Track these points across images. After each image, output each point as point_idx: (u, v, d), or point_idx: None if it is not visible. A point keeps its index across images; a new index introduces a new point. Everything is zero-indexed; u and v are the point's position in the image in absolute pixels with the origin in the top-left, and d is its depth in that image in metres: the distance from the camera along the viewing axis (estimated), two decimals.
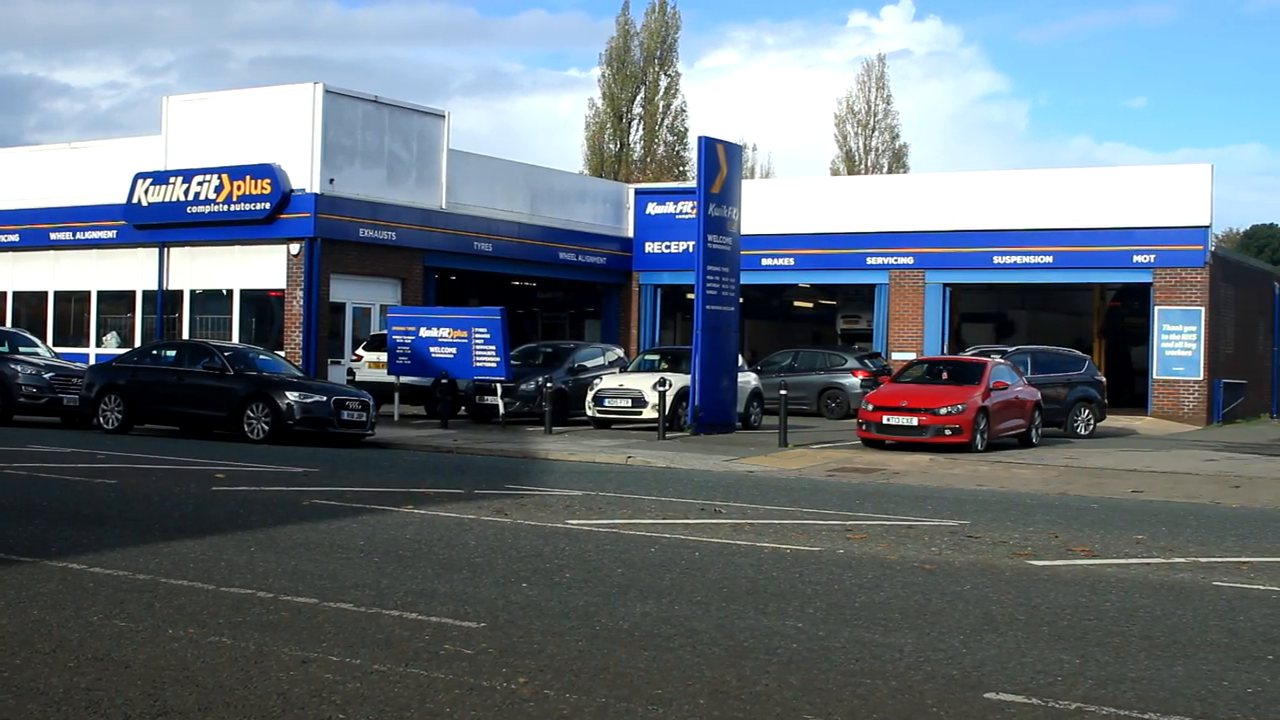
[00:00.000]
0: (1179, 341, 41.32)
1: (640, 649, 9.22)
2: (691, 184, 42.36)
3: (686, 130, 77.13)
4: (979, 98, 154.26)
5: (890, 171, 78.39)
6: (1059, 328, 54.43)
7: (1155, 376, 41.74)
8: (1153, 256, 41.43)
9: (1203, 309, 40.95)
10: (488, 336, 32.50)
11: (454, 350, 32.81)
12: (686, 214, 44.92)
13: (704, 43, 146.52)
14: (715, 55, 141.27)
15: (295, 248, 37.13)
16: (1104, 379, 37.10)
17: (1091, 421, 35.21)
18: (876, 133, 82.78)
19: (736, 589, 11.61)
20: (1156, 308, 41.56)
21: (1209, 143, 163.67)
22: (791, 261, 46.95)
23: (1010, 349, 37.64)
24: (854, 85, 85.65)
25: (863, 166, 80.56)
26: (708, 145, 32.73)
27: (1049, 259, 42.97)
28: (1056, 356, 37.01)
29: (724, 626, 10.02)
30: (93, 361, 37.03)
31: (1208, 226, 41.44)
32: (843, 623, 10.31)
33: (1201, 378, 41.15)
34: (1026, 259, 43.28)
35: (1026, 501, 20.16)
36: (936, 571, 12.86)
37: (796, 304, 59.92)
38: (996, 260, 43.63)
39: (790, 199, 47.70)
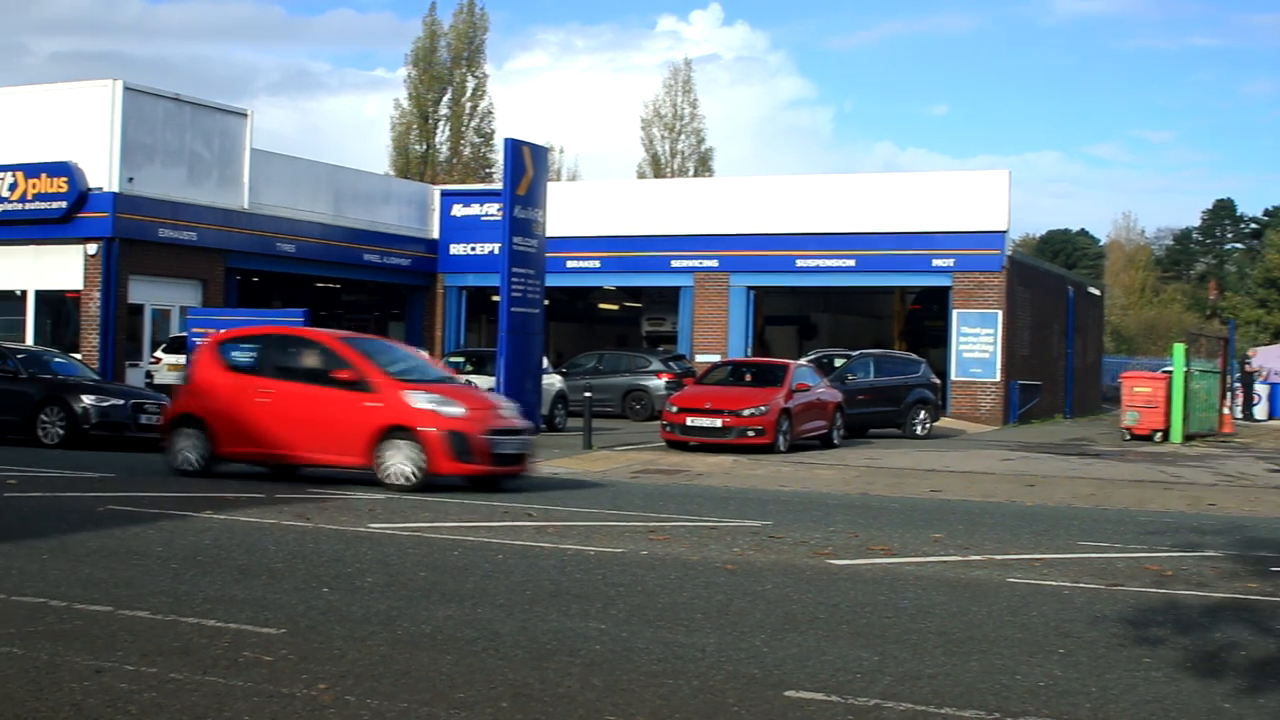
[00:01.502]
0: (977, 344, 42.25)
1: (443, 653, 9.17)
2: (497, 186, 42.27)
3: (493, 132, 76.97)
4: (786, 103, 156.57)
5: (696, 175, 79.05)
6: (860, 330, 55.38)
7: (953, 378, 42.60)
8: (952, 260, 42.31)
9: (1000, 312, 41.91)
10: None
11: None
12: (492, 216, 44.80)
13: (513, 45, 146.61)
14: (524, 57, 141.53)
15: (93, 248, 36.30)
16: (939, 381, 37.88)
17: (928, 422, 35.99)
18: (683, 136, 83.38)
19: (540, 591, 11.60)
20: (955, 311, 42.44)
21: (1008, 150, 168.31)
22: (597, 264, 47.12)
23: (854, 353, 38.44)
24: (661, 89, 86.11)
25: (669, 170, 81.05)
26: (514, 147, 32.65)
27: (851, 262, 43.65)
28: (896, 360, 37.96)
29: (527, 629, 10.00)
30: None
31: (1005, 231, 42.42)
32: (645, 623, 10.35)
33: (998, 379, 42.12)
34: (829, 262, 43.92)
35: (828, 502, 20.42)
36: (738, 571, 12.96)
37: (602, 306, 60.12)
38: (800, 263, 44.21)
39: (597, 202, 47.86)
